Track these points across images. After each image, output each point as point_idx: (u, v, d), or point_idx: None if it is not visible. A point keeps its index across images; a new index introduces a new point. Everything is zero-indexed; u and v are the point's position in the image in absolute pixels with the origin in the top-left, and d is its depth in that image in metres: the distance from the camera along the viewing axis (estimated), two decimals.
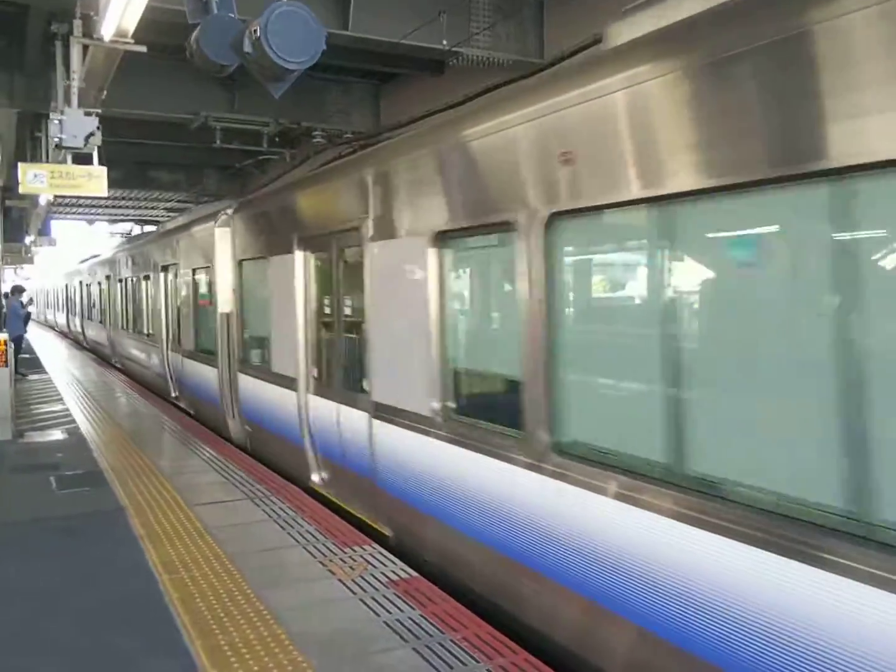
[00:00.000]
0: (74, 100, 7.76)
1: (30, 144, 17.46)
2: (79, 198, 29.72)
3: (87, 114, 7.78)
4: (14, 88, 13.62)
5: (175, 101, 15.99)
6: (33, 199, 17.82)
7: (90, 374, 17.34)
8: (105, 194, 9.77)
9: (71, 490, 7.17)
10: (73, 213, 34.35)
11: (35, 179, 9.11)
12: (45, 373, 17.19)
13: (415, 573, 4.92)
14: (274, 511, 6.35)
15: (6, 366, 9.55)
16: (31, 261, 33.38)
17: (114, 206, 32.74)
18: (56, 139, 7.82)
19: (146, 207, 33.07)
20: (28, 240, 28.23)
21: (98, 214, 35.28)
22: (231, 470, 7.83)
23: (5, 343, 9.51)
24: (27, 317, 21.67)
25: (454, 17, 12.40)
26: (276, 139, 17.50)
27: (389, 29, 12.10)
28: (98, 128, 8.75)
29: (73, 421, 10.86)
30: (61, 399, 13.03)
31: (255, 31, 4.47)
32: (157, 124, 18.18)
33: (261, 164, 20.39)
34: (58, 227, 37.59)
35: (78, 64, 7.58)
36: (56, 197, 22.13)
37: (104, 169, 9.57)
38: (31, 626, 4.35)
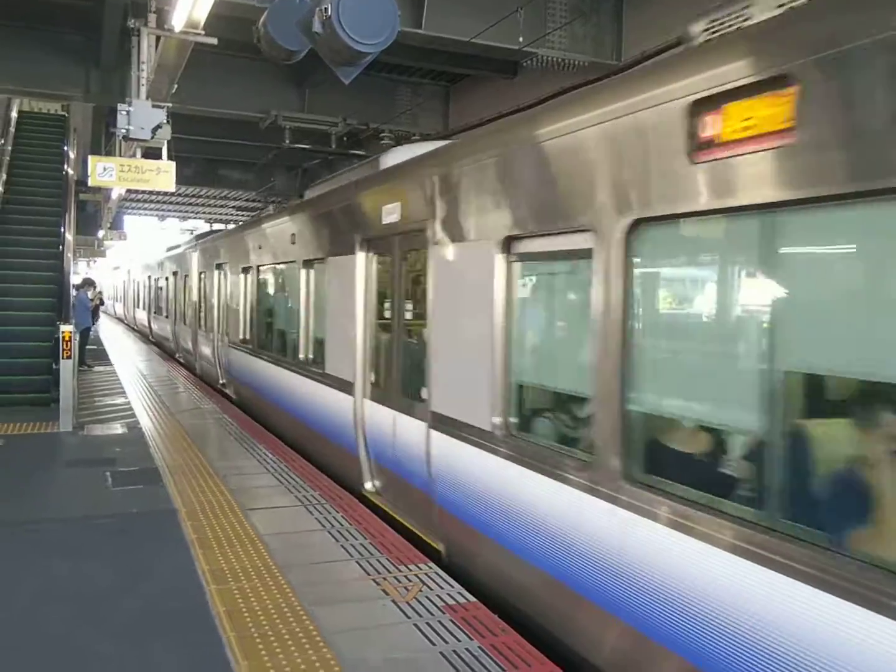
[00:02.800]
0: (143, 91, 7.70)
1: (105, 140, 17.78)
2: (150, 193, 30.43)
3: (156, 105, 7.70)
4: (90, 83, 13.85)
5: (247, 99, 16.08)
6: (105, 193, 18.16)
7: (154, 367, 17.52)
8: (173, 189, 9.77)
9: (125, 487, 7.06)
10: (146, 210, 35.15)
11: (105, 173, 9.13)
12: (111, 364, 17.43)
13: (472, 598, 4.60)
14: (328, 520, 6.11)
15: (70, 358, 9.57)
16: (103, 254, 34.24)
17: (184, 204, 33.35)
18: (123, 130, 7.77)
19: (216, 206, 33.62)
20: (100, 233, 28.89)
21: (169, 211, 36.01)
22: (285, 472, 7.65)
23: (70, 335, 9.53)
24: (95, 309, 22.18)
25: (529, 18, 12.09)
26: (345, 139, 17.43)
27: (463, 27, 11.86)
28: (168, 121, 8.72)
29: (134, 415, 10.87)
30: (124, 392, 13.12)
31: (325, 9, 4.21)
32: (228, 122, 18.35)
33: (328, 164, 20.40)
34: (130, 222, 38.59)
35: (147, 55, 7.52)
36: (128, 192, 22.53)
37: (173, 164, 9.55)
38: (71, 631, 4.19)
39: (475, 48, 12.38)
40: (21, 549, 5.48)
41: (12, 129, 18.55)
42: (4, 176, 16.62)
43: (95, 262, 42.78)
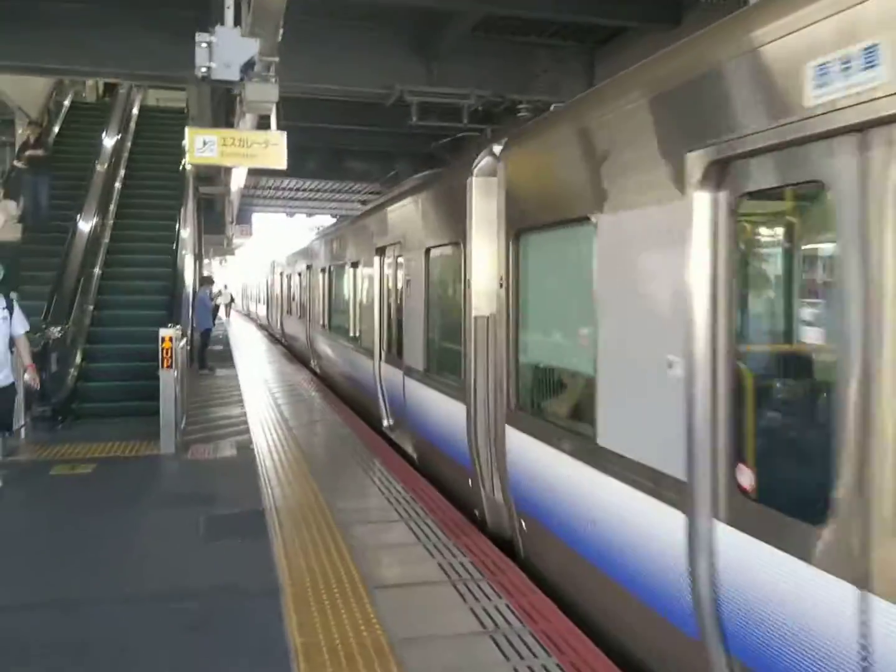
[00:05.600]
0: (230, 16, 6.01)
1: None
2: (276, 189, 29.79)
3: (247, 36, 5.99)
4: None
5: (368, 74, 14.48)
6: (226, 185, 17.12)
7: (279, 371, 16.31)
8: (284, 166, 8.15)
9: (219, 542, 5.47)
10: (273, 206, 34.78)
11: (205, 147, 7.63)
12: (233, 368, 16.35)
13: None
14: (488, 613, 4.23)
15: (170, 367, 8.17)
16: (232, 252, 34.04)
17: (310, 199, 32.69)
18: (203, 69, 6.13)
19: (341, 200, 32.73)
20: (229, 231, 28.44)
21: (296, 207, 35.44)
22: (421, 518, 5.86)
23: (170, 341, 8.13)
24: (216, 309, 21.48)
25: None
26: (479, 110, 15.59)
27: None
28: (274, 81, 7.12)
29: (247, 430, 9.43)
30: (241, 401, 11.79)
31: None
32: (350, 106, 16.97)
33: (456, 144, 18.65)
34: (259, 220, 38.41)
35: None
36: (254, 187, 21.49)
37: (283, 134, 7.96)
38: None
39: None
40: (62, 649, 3.91)
41: (132, 125, 17.91)
42: (123, 172, 15.87)
43: (226, 260, 43.02)
